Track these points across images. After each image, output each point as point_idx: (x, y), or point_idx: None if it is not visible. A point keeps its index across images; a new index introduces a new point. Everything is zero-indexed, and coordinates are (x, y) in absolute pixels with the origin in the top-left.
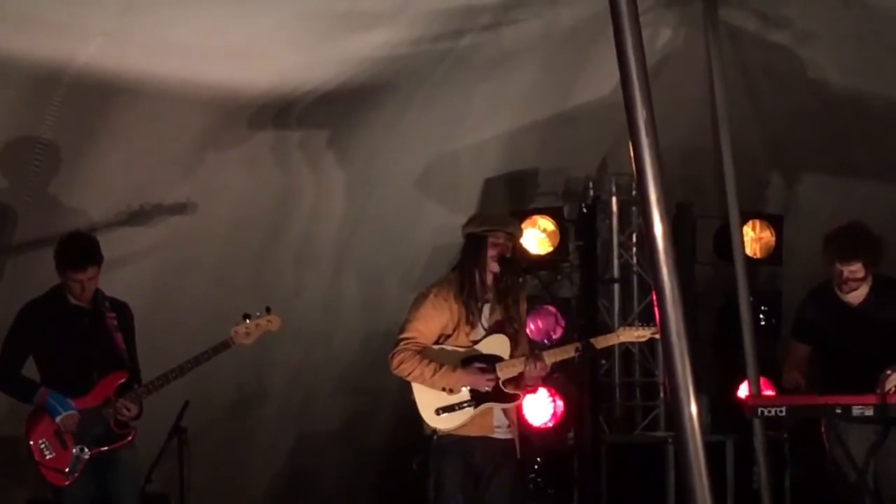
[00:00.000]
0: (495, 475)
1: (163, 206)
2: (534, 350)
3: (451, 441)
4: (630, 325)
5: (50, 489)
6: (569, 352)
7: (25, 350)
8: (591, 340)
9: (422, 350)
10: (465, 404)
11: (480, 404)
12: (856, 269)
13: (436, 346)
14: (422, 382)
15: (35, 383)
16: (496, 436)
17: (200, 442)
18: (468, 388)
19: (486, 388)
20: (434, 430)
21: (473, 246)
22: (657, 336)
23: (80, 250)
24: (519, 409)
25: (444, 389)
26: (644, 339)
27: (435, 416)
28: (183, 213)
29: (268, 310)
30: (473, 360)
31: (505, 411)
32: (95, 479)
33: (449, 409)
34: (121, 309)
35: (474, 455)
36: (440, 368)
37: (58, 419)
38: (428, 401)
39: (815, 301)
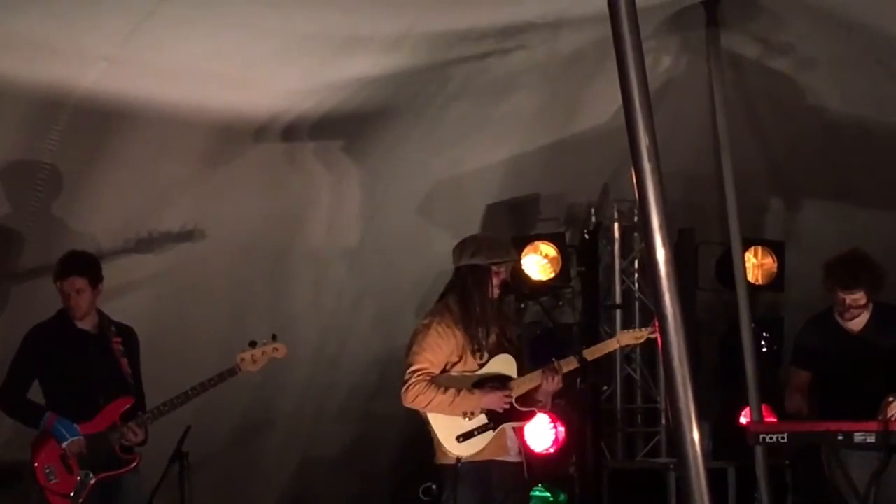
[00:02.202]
0: (507, 499)
1: (170, 233)
2: (550, 364)
3: (472, 468)
4: (627, 328)
5: None
6: (573, 363)
7: (31, 375)
8: (588, 350)
9: (433, 380)
10: (484, 428)
11: (498, 426)
12: (858, 296)
13: (443, 375)
14: (440, 411)
15: (41, 408)
16: (510, 458)
17: (205, 467)
18: (484, 411)
19: (505, 407)
20: (458, 458)
21: (477, 277)
22: (654, 336)
23: (67, 260)
24: (521, 435)
25: (463, 415)
26: (642, 340)
27: (457, 443)
28: (190, 241)
29: (274, 337)
30: (485, 382)
31: (515, 433)
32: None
33: (469, 434)
34: (127, 334)
35: (492, 479)
36: (458, 394)
37: (64, 444)
38: (448, 429)
39: (816, 328)
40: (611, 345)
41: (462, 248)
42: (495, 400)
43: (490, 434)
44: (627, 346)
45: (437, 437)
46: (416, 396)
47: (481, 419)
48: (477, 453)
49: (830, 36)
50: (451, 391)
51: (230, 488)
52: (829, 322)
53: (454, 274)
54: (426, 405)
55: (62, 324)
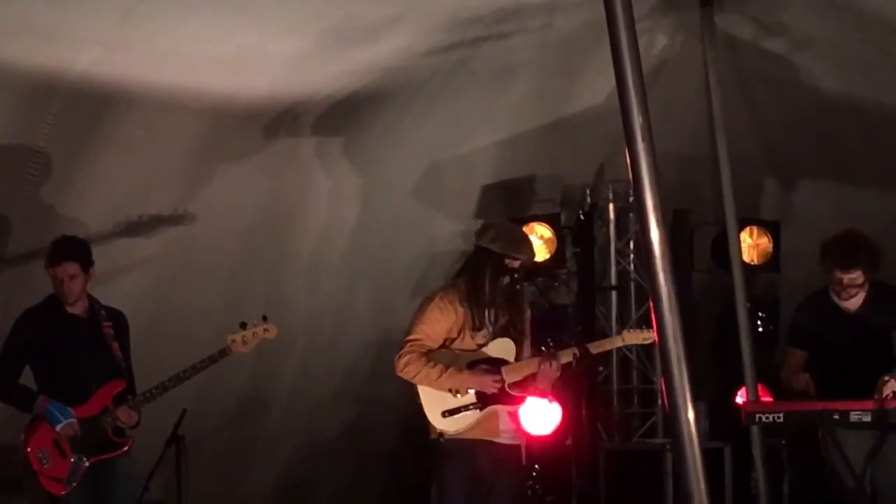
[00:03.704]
0: (497, 481)
1: (161, 216)
2: (547, 350)
3: (456, 445)
4: (633, 327)
5: (47, 498)
6: (573, 354)
7: (23, 359)
8: (593, 344)
9: (428, 352)
10: (470, 406)
11: (486, 407)
12: (856, 276)
13: (442, 349)
14: (427, 384)
15: (33, 392)
16: (501, 441)
17: (201, 450)
18: (474, 390)
19: (492, 390)
20: (440, 433)
21: (490, 260)
22: None
23: (59, 245)
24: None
25: (450, 391)
26: (649, 342)
27: (441, 418)
28: (181, 224)
29: (264, 318)
30: (479, 363)
31: (511, 416)
32: (92, 488)
33: (455, 411)
34: (117, 318)
35: (478, 460)
36: (446, 370)
37: (58, 427)
38: (434, 403)
39: (812, 308)
40: (615, 341)
41: (485, 229)
42: (484, 382)
43: (477, 413)
44: (632, 344)
45: (423, 410)
46: (405, 366)
47: (469, 397)
48: (463, 431)
49: (824, 15)
50: (440, 366)
51: (227, 471)
52: (825, 301)
53: (474, 251)
54: (414, 376)
55: (53, 309)
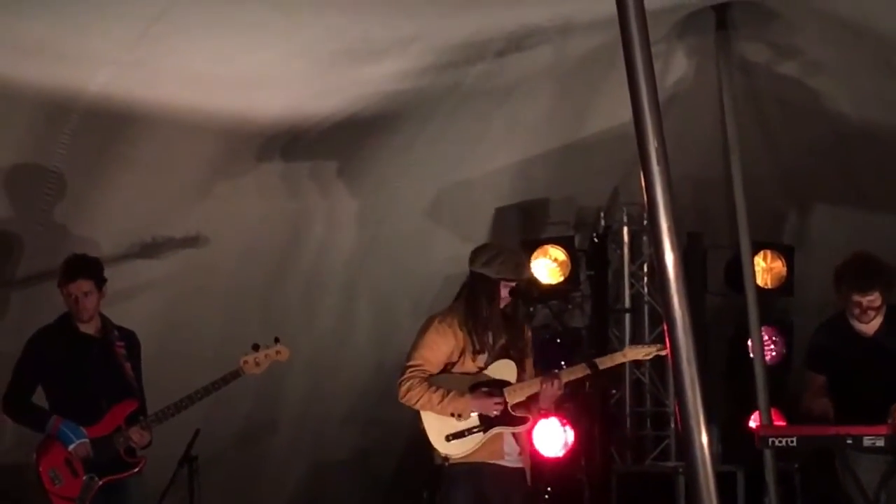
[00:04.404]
0: None
1: (174, 239)
2: (549, 371)
3: (462, 469)
4: (636, 343)
5: None
6: (580, 371)
7: (35, 379)
8: (598, 360)
9: (429, 377)
10: (474, 430)
11: (490, 429)
12: (874, 297)
13: (443, 374)
14: (430, 409)
15: (46, 412)
16: (506, 463)
17: (211, 471)
18: (477, 413)
19: (495, 412)
20: (445, 458)
21: (485, 285)
22: (663, 353)
23: (73, 263)
24: (529, 438)
25: (452, 415)
26: (651, 357)
27: (445, 442)
28: (194, 247)
29: (276, 340)
30: (481, 386)
31: (516, 438)
32: None
33: (459, 435)
34: (129, 338)
35: (484, 483)
36: (448, 395)
37: (71, 447)
38: (437, 428)
39: (829, 332)
40: (616, 358)
41: (477, 253)
42: (486, 405)
43: (480, 436)
44: (636, 361)
45: (426, 436)
46: (407, 391)
47: (473, 420)
48: (468, 455)
49: (840, 40)
50: (441, 391)
51: (238, 491)
52: (842, 325)
53: (468, 276)
54: (416, 402)
55: (65, 328)
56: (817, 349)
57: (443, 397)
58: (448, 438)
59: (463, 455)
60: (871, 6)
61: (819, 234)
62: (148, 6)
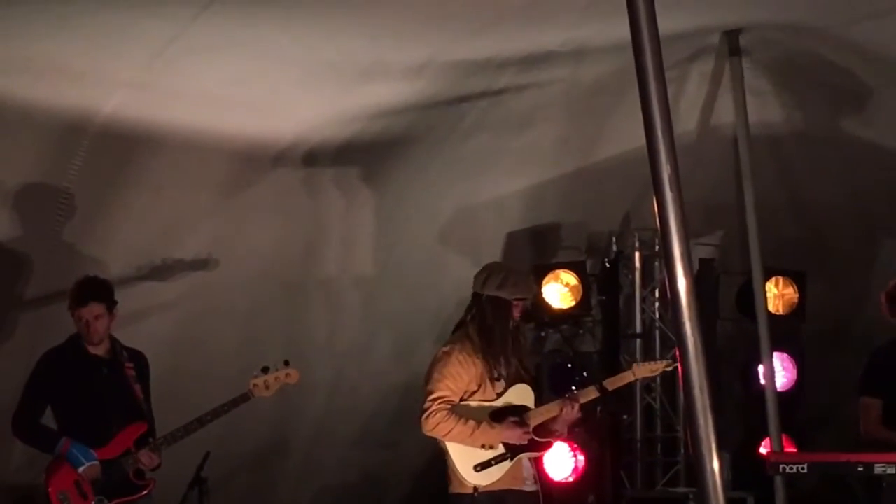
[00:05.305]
0: None
1: (184, 261)
2: (568, 393)
3: (490, 498)
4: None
5: None
6: (591, 393)
7: (44, 400)
8: (607, 381)
9: (453, 409)
10: (501, 458)
11: (516, 455)
12: None
13: (462, 403)
14: (460, 441)
15: (56, 433)
16: (526, 488)
17: (221, 493)
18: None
19: (524, 442)
20: (474, 488)
21: (499, 309)
22: (670, 368)
23: (84, 286)
24: (540, 464)
25: (483, 446)
26: (658, 372)
27: (474, 472)
28: (205, 269)
29: (286, 363)
30: (505, 414)
31: (531, 462)
32: None
33: (486, 464)
34: (138, 359)
35: None
36: (479, 426)
37: (80, 469)
38: (465, 458)
39: (886, 354)
40: (626, 377)
41: (486, 276)
42: (516, 434)
43: (507, 464)
44: (645, 378)
45: (454, 466)
46: (436, 425)
47: (499, 449)
48: (493, 483)
49: (852, 64)
50: (472, 422)
51: None
52: None
53: (474, 300)
54: (446, 434)
55: (75, 349)
56: (874, 372)
57: (474, 429)
58: (476, 468)
59: (492, 484)
60: (883, 32)
61: (831, 260)
62: (162, 29)
